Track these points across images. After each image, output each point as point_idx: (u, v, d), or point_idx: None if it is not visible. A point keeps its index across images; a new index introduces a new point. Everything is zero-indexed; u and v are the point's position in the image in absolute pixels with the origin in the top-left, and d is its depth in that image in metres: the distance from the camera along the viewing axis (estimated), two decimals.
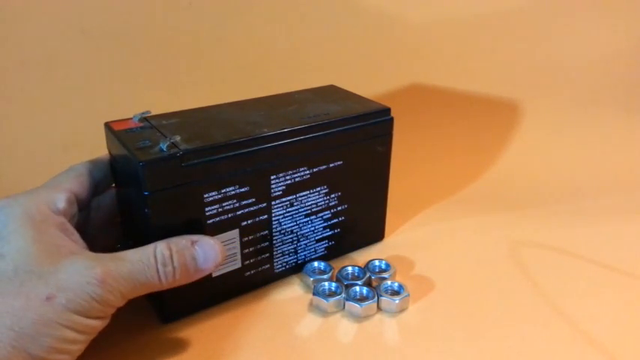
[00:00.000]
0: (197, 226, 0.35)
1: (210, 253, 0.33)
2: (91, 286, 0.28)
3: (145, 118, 0.38)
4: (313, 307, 0.39)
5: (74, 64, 0.59)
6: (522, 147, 0.67)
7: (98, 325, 0.29)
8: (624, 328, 0.37)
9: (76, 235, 0.32)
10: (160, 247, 0.32)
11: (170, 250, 0.32)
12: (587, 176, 0.61)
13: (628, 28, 0.72)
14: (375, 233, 0.47)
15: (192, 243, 0.33)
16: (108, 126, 0.37)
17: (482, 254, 0.46)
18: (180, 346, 0.36)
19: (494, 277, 0.43)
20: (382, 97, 0.67)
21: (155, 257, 0.31)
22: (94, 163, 0.37)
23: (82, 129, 0.59)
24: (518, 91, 0.72)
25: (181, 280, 0.32)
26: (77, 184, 0.35)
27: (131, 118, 0.38)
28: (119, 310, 0.31)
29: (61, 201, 0.33)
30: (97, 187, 0.37)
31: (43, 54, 0.58)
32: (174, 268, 0.32)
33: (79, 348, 0.29)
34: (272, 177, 0.38)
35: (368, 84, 0.64)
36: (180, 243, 0.33)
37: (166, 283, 0.32)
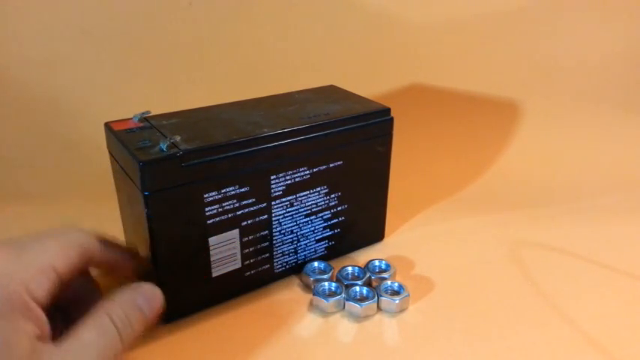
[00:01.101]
0: (197, 226, 0.35)
1: (152, 297, 0.31)
2: None
3: (145, 118, 0.38)
4: (313, 307, 0.39)
5: (74, 64, 0.59)
6: (522, 147, 0.67)
7: None
8: (624, 328, 0.37)
9: (45, 324, 0.28)
10: (116, 312, 0.29)
11: (123, 310, 0.30)
12: (587, 176, 0.61)
13: (628, 28, 0.72)
14: (375, 233, 0.47)
15: (134, 290, 0.31)
16: (108, 126, 0.37)
17: (483, 254, 0.46)
18: (181, 346, 0.36)
19: (494, 277, 0.43)
20: (382, 97, 0.67)
21: (115, 325, 0.29)
22: (91, 242, 0.32)
23: (82, 129, 0.59)
24: (518, 91, 0.72)
25: (137, 335, 0.30)
26: (66, 265, 0.29)
27: (131, 118, 0.38)
28: None
29: (42, 289, 0.27)
30: (86, 265, 0.32)
31: (43, 54, 0.58)
32: (132, 328, 0.30)
33: None
34: (272, 177, 0.38)
35: (368, 84, 0.64)
36: (124, 297, 0.30)
37: (127, 344, 0.29)
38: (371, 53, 0.69)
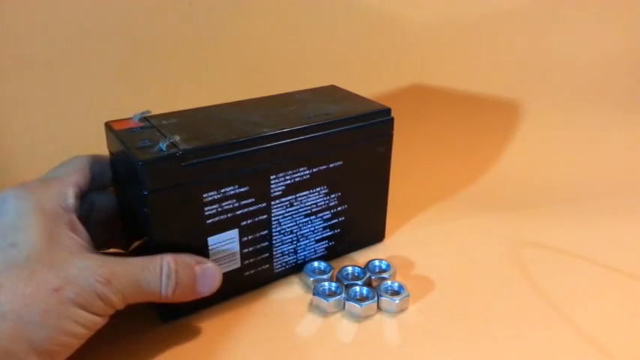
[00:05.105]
0: (197, 225, 0.35)
1: (211, 280, 0.34)
2: (98, 284, 0.29)
3: (145, 118, 0.38)
4: (313, 307, 0.39)
5: (74, 64, 0.59)
6: (522, 147, 0.67)
7: (99, 322, 0.30)
8: (624, 329, 0.37)
9: (84, 233, 0.33)
10: (167, 260, 0.32)
11: (176, 263, 0.32)
12: (587, 176, 0.61)
13: (628, 28, 0.72)
14: (375, 233, 0.47)
15: (197, 263, 0.34)
16: (108, 126, 0.37)
17: (483, 254, 0.46)
18: (180, 345, 0.36)
19: (494, 278, 0.43)
20: (382, 97, 0.67)
21: (161, 268, 0.32)
22: (94, 158, 0.37)
23: (82, 129, 0.59)
24: (518, 91, 0.72)
25: (178, 298, 0.33)
26: (81, 177, 0.35)
27: (131, 118, 0.38)
28: (119, 310, 0.31)
29: (70, 197, 0.33)
30: (95, 182, 0.37)
31: (43, 54, 0.58)
32: (176, 283, 0.32)
33: (78, 342, 0.29)
34: (272, 177, 0.38)
35: (368, 84, 0.64)
36: (186, 260, 0.33)
37: (165, 295, 0.32)
38: (371, 53, 0.69)
